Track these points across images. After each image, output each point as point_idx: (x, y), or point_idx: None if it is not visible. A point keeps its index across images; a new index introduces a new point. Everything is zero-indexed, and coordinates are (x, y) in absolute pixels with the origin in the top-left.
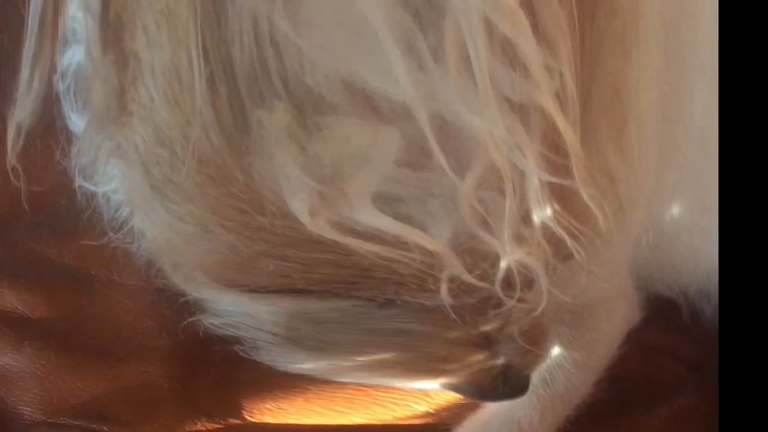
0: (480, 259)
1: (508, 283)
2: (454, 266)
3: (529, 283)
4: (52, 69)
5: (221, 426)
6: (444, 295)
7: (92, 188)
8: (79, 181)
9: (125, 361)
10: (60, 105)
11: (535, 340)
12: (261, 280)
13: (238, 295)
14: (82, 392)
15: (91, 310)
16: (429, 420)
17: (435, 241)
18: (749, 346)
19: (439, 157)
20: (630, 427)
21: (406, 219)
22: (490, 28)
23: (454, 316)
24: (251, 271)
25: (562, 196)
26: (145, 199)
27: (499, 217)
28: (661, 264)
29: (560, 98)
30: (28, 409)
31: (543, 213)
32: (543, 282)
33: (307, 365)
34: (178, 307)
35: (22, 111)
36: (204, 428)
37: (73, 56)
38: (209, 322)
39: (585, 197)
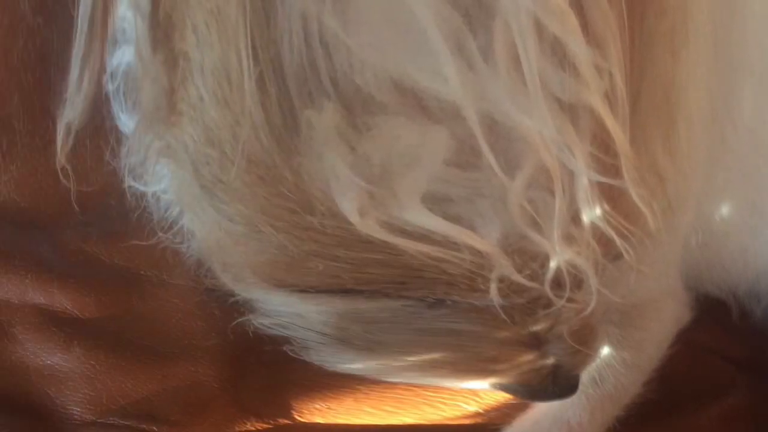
0: (529, 259)
1: (557, 283)
2: (504, 266)
3: (578, 283)
4: (102, 69)
5: (271, 426)
6: (494, 295)
7: (142, 188)
8: (128, 181)
9: (175, 361)
10: (109, 105)
11: (585, 339)
12: (310, 279)
13: (288, 295)
14: (131, 392)
15: (140, 310)
16: (479, 420)
17: (485, 241)
18: None
19: (489, 157)
20: (679, 427)
21: (455, 219)
22: (539, 28)
23: (503, 316)
24: (301, 271)
25: (612, 195)
26: (194, 199)
27: (548, 217)
28: (711, 264)
29: (610, 98)
30: (78, 409)
31: (592, 213)
32: (592, 282)
33: (356, 365)
34: (228, 307)
35: (72, 111)
36: (253, 428)
37: (123, 56)
38: (259, 322)
39: (634, 197)
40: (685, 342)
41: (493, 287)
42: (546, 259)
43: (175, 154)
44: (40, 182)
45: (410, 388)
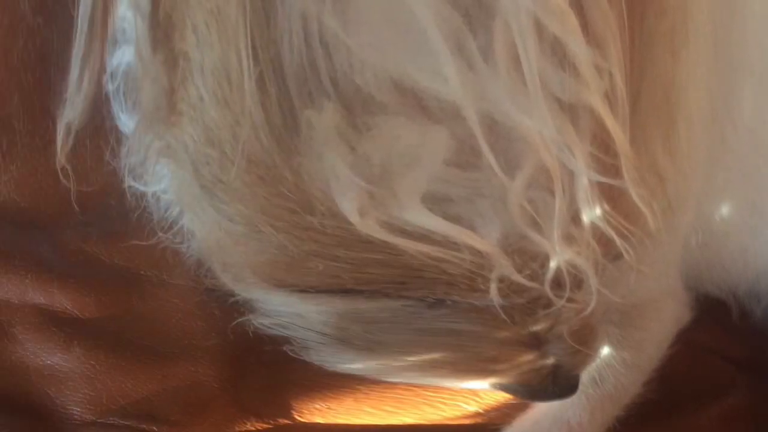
0: (529, 259)
1: (557, 283)
2: (504, 266)
3: (578, 283)
4: (102, 69)
5: (271, 426)
6: (494, 295)
7: (142, 188)
8: (128, 181)
9: (175, 361)
10: (109, 105)
11: (585, 339)
12: (310, 279)
13: (288, 295)
14: (131, 392)
15: (140, 310)
16: (479, 420)
17: (485, 241)
18: None
19: (489, 157)
20: (679, 427)
21: (455, 219)
22: (539, 28)
23: (503, 316)
24: (301, 271)
25: (612, 195)
26: (194, 199)
27: (548, 217)
28: (711, 264)
29: (610, 98)
30: (78, 409)
31: (592, 213)
32: (592, 282)
33: (356, 365)
34: (228, 307)
35: (72, 111)
36: (253, 428)
37: (123, 56)
38: (259, 322)
39: (634, 197)
40: (685, 342)
41: (493, 287)
42: (546, 259)
43: (175, 154)
44: (40, 182)
45: (410, 388)
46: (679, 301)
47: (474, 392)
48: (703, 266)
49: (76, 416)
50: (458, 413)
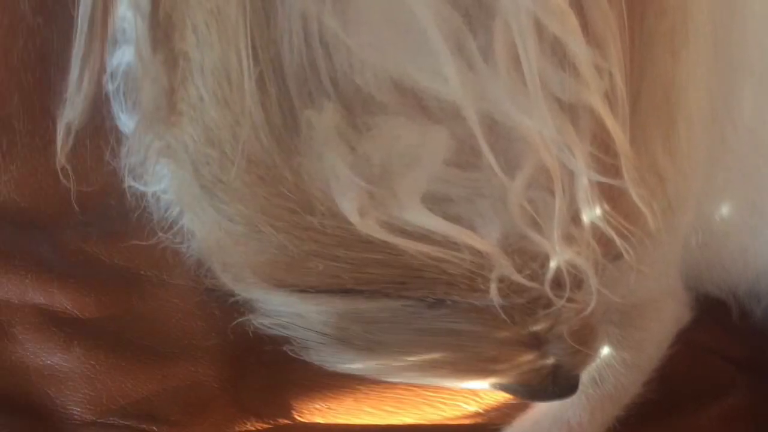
0: (529, 259)
1: (557, 283)
2: (504, 266)
3: (578, 283)
4: (102, 69)
5: (271, 426)
6: (494, 295)
7: (142, 188)
8: (128, 181)
9: (175, 361)
10: (109, 105)
11: (585, 339)
12: (310, 279)
13: (288, 295)
14: (131, 392)
15: (140, 310)
16: (479, 420)
17: (484, 241)
18: None
19: (489, 157)
20: (679, 427)
21: (455, 219)
22: (539, 28)
23: (503, 316)
24: (301, 271)
25: (612, 195)
26: (194, 199)
27: (548, 217)
28: (711, 264)
29: (610, 98)
30: (78, 409)
31: (592, 213)
32: (592, 282)
33: (356, 365)
34: (228, 307)
35: (72, 111)
36: (254, 428)
37: (123, 56)
38: (259, 322)
39: (634, 197)
40: (685, 342)
41: (493, 287)
42: (546, 259)
43: (175, 154)
44: (40, 182)
45: (410, 388)
46: (679, 301)
47: (474, 392)
48: (703, 266)
49: (76, 416)
50: (458, 413)
